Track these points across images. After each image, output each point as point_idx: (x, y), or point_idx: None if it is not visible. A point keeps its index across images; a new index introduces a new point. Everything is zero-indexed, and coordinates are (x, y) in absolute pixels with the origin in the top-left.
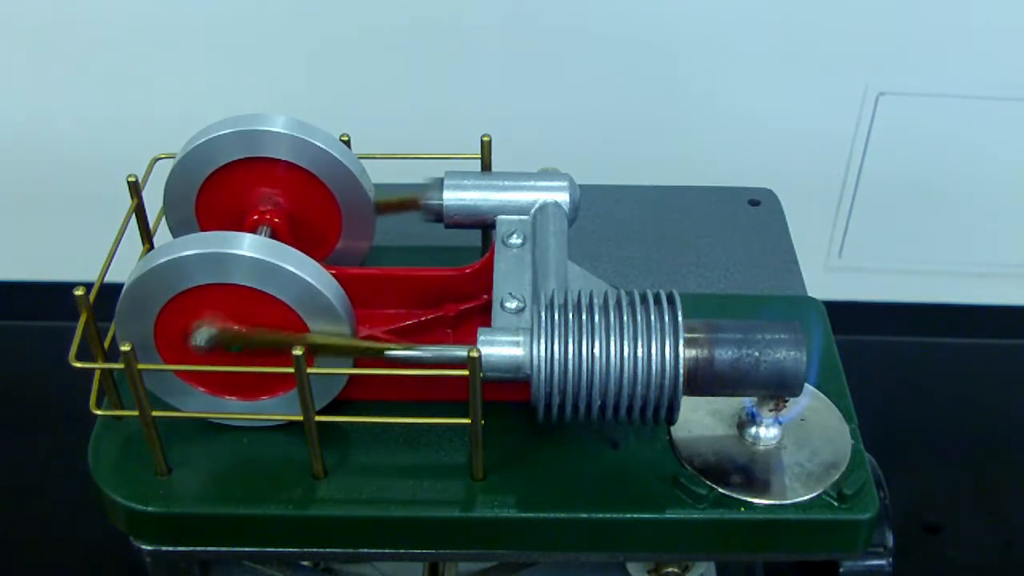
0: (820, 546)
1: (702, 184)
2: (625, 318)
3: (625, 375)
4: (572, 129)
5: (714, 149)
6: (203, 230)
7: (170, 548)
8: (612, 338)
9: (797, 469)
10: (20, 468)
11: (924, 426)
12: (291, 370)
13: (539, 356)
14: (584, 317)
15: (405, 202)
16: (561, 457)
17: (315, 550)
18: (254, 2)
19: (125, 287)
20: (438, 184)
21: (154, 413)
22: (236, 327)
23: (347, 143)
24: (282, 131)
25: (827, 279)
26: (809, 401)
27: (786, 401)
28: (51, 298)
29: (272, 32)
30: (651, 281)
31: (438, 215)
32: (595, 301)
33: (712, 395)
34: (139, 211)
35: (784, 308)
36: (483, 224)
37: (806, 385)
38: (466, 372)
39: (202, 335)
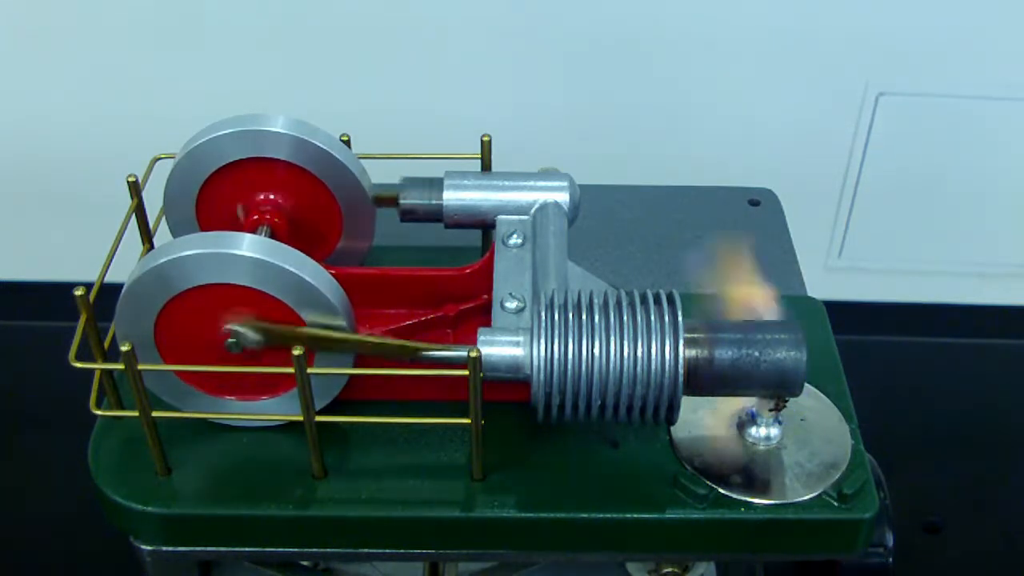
0: (820, 546)
1: (702, 184)
2: (625, 318)
3: (625, 375)
4: (572, 129)
5: (714, 149)
6: (203, 230)
7: (170, 548)
8: (612, 338)
9: (797, 469)
10: (20, 468)
11: (924, 426)
12: (291, 370)
13: (539, 356)
14: (584, 317)
15: (395, 197)
16: (561, 457)
17: (315, 550)
18: (254, 2)
19: (125, 287)
20: (413, 184)
21: (154, 413)
22: (276, 325)
23: (347, 143)
24: (282, 131)
25: (827, 279)
26: (809, 401)
27: (786, 401)
28: (51, 298)
29: (272, 32)
30: (651, 281)
31: (410, 215)
32: (595, 301)
33: (712, 395)
34: (139, 211)
35: (784, 308)
36: (483, 224)
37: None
38: (466, 372)
39: (247, 336)
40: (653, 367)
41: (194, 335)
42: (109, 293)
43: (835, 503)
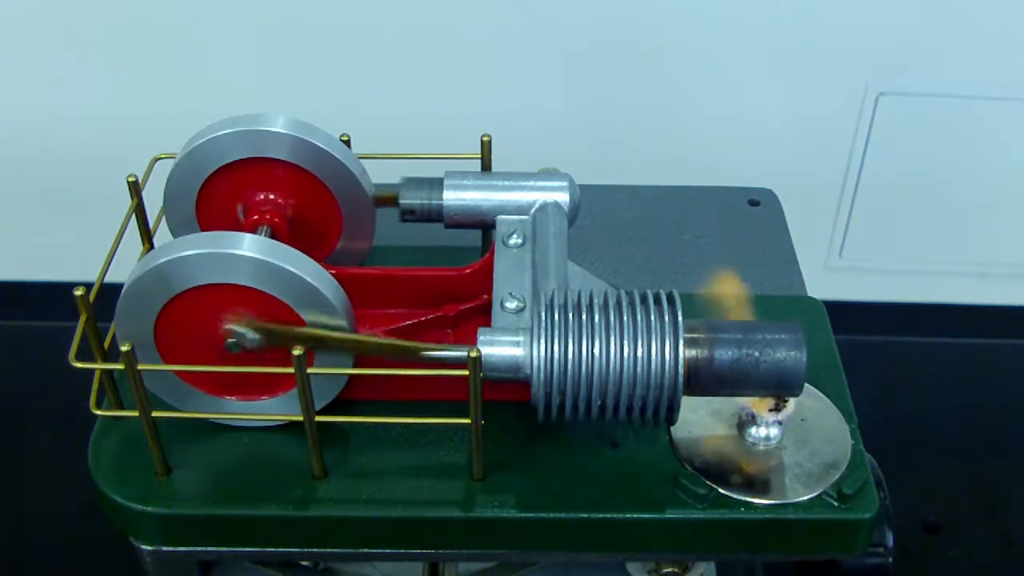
0: (820, 546)
1: (702, 184)
2: (625, 318)
3: (625, 375)
4: (572, 129)
5: (714, 149)
6: (203, 230)
7: (170, 548)
8: (612, 338)
9: (797, 469)
10: (20, 468)
11: (924, 426)
12: (291, 370)
13: (539, 356)
14: (584, 317)
15: (395, 197)
16: (561, 457)
17: (315, 550)
18: (254, 2)
19: (125, 287)
20: (410, 184)
21: (154, 413)
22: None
23: (347, 143)
24: (282, 131)
25: (827, 279)
26: (809, 401)
27: (786, 401)
28: (51, 298)
29: (272, 32)
30: (651, 281)
31: (410, 214)
32: (595, 301)
33: (712, 395)
34: (139, 211)
35: (784, 308)
36: (483, 224)
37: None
38: (466, 372)
39: (246, 335)
40: (653, 367)
41: (194, 335)
42: (109, 293)
43: (835, 503)
